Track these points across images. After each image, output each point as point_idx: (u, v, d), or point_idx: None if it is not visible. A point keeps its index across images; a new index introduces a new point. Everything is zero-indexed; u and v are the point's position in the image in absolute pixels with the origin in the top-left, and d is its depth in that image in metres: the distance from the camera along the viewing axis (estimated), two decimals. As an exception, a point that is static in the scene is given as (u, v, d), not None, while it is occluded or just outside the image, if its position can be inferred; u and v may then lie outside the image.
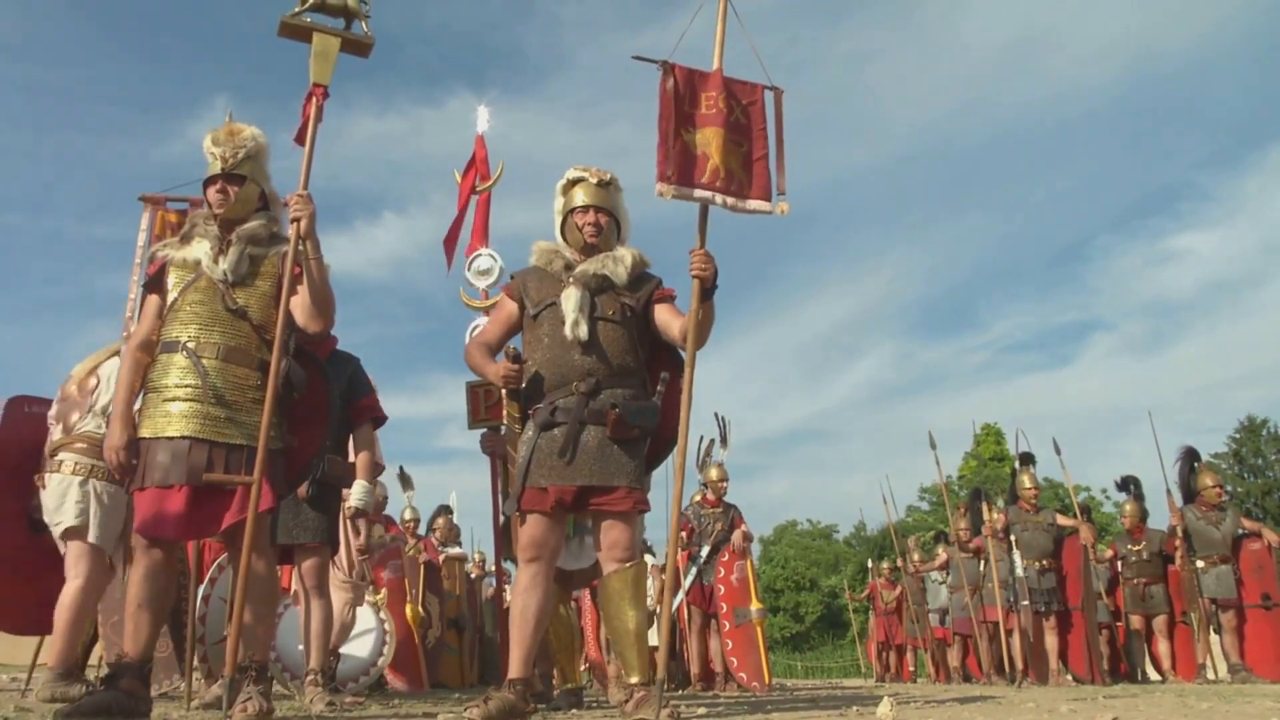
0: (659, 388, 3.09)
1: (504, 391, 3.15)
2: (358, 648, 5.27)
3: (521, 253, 6.09)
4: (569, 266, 3.17)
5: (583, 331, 3.01)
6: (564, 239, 3.29)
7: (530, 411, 3.11)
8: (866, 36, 59.30)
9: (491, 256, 6.02)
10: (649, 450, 3.13)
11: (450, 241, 6.14)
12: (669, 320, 3.14)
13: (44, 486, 3.89)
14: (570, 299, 3.05)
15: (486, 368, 3.19)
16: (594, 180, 3.24)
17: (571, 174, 3.29)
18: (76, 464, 3.86)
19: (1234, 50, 51.74)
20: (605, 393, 3.01)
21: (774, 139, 3.18)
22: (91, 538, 3.78)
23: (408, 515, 8.45)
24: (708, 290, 3.01)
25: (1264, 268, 50.07)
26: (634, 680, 2.86)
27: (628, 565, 2.94)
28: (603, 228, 3.21)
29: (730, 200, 3.09)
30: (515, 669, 2.95)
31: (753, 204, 3.12)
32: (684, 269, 3.05)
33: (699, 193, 3.06)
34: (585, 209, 3.21)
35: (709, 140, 3.09)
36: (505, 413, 3.25)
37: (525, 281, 3.23)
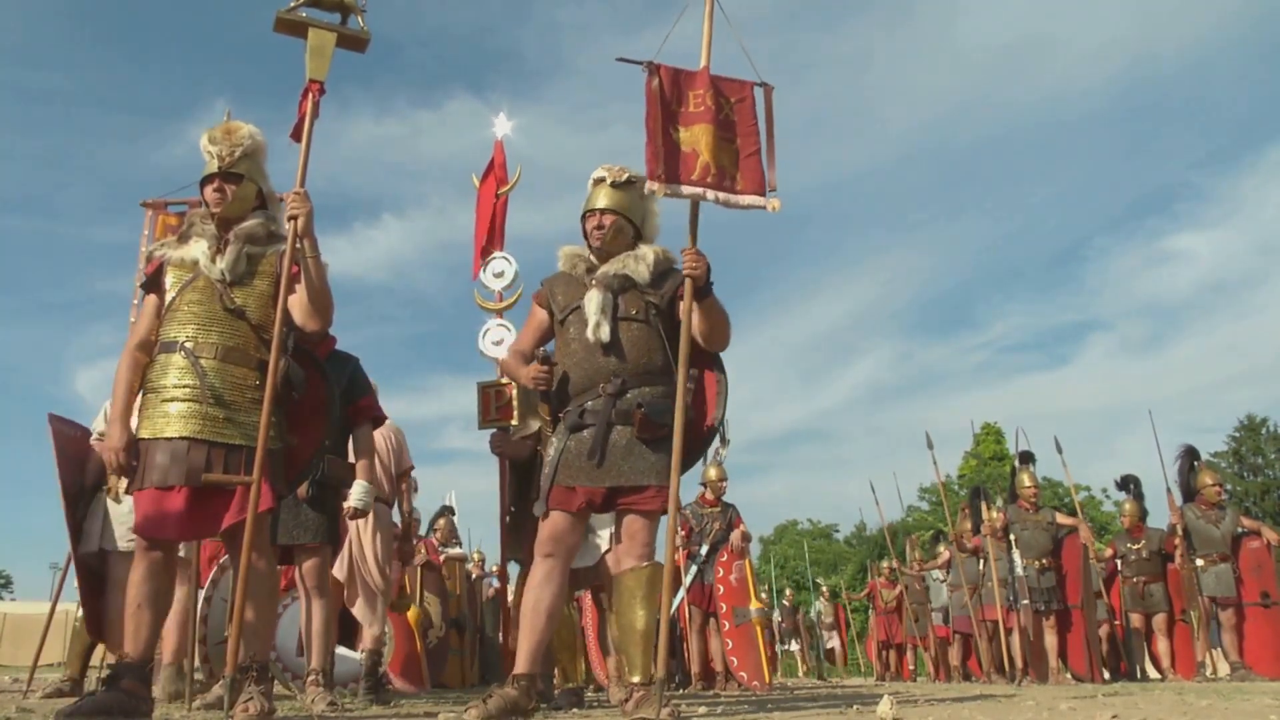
0: (688, 385, 3.09)
1: (538, 394, 3.17)
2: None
3: (520, 253, 6.16)
4: (591, 269, 3.19)
5: (604, 333, 3.02)
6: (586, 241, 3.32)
7: (560, 414, 3.13)
8: (865, 38, 59.39)
9: (506, 259, 6.10)
10: (684, 447, 3.13)
11: (480, 246, 6.22)
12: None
13: (118, 500, 3.95)
14: (592, 301, 3.06)
15: (519, 373, 3.20)
16: (609, 181, 3.25)
17: (595, 174, 3.31)
18: None
19: (1231, 51, 51.82)
20: (632, 392, 3.02)
21: (765, 135, 3.18)
22: (180, 550, 3.89)
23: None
24: (701, 288, 3.02)
25: (1261, 267, 50.02)
26: (635, 679, 2.86)
27: (644, 565, 2.94)
28: (607, 230, 3.21)
29: (721, 195, 3.09)
30: (523, 664, 2.92)
31: (745, 199, 3.13)
32: (682, 267, 3.07)
33: (689, 189, 3.07)
34: (593, 212, 3.24)
35: (697, 137, 3.10)
36: (517, 414, 3.28)
37: (553, 287, 3.26)
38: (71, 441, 4.43)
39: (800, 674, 17.45)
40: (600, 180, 3.27)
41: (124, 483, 3.96)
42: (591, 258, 3.23)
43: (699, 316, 3.06)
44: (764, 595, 20.73)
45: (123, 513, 4.02)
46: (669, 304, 3.15)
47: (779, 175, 3.15)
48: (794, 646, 18.56)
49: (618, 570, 3.01)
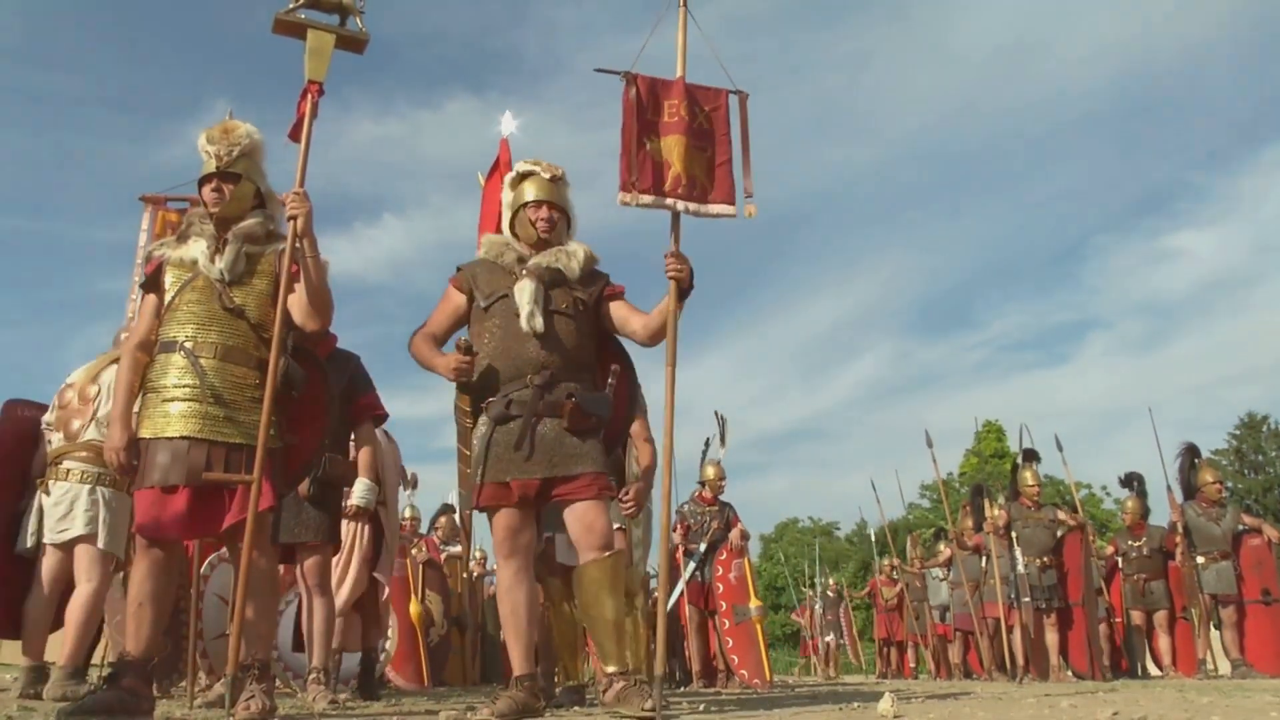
0: (609, 380, 3.11)
1: (455, 385, 3.16)
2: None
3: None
4: (521, 259, 3.17)
5: (538, 323, 3.00)
6: (514, 233, 3.29)
7: (483, 405, 3.09)
8: (863, 39, 59.14)
9: None
10: (605, 443, 3.12)
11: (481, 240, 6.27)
12: (627, 316, 3.16)
13: (48, 493, 3.89)
14: (525, 291, 3.04)
15: (435, 360, 3.09)
16: (545, 175, 3.26)
17: (522, 167, 3.31)
18: (84, 472, 3.88)
19: (1228, 51, 51.45)
20: (560, 385, 3.00)
21: (739, 143, 3.23)
22: (101, 544, 3.85)
23: (408, 514, 8.48)
24: (684, 291, 3.03)
25: (1260, 266, 49.72)
26: (611, 669, 2.84)
27: (605, 554, 2.90)
28: (554, 222, 3.22)
29: (691, 205, 3.13)
30: (519, 666, 2.93)
31: (715, 208, 3.17)
32: (666, 270, 3.07)
33: (659, 200, 3.11)
34: (538, 204, 3.22)
35: (671, 148, 3.14)
36: (455, 406, 3.27)
37: (474, 273, 3.21)
38: (21, 424, 4.23)
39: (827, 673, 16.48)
40: (530, 174, 3.27)
41: (56, 473, 3.91)
42: (520, 249, 3.21)
43: (656, 317, 3.07)
44: (810, 587, 19.90)
45: (49, 505, 3.91)
46: (595, 303, 3.17)
47: (756, 182, 3.20)
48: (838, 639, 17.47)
49: (580, 563, 2.94)
